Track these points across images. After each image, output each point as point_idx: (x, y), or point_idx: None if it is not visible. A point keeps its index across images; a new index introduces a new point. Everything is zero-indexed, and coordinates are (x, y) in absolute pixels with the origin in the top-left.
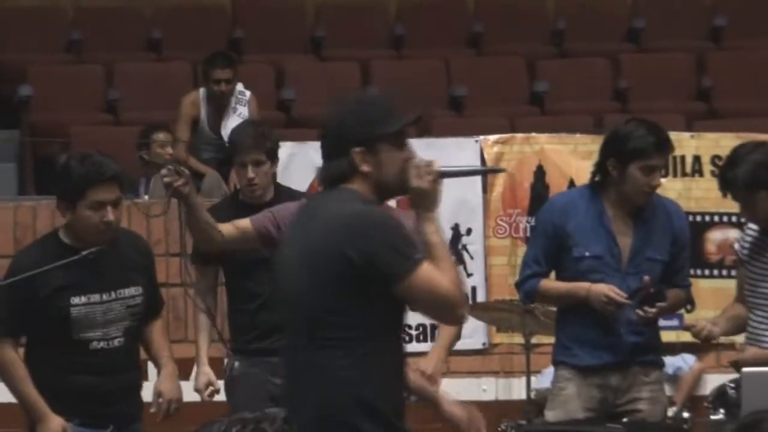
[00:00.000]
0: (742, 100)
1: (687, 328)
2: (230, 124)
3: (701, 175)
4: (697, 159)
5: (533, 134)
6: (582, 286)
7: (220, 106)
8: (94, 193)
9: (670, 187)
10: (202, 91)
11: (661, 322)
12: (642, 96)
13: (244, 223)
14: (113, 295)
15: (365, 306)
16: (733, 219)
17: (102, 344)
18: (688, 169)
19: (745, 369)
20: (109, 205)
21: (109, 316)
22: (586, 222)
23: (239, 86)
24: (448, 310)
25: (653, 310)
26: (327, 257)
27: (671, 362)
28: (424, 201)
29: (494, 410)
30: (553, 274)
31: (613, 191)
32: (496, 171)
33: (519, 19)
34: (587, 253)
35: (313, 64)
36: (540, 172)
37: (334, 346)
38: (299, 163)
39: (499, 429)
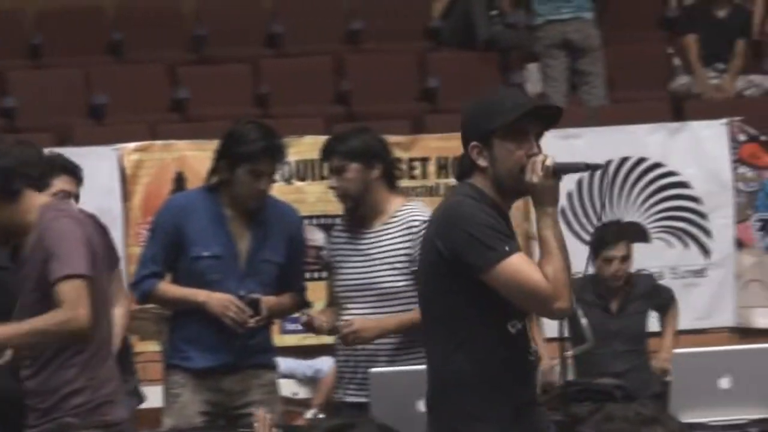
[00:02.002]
0: (380, 103)
1: (308, 324)
2: None
3: None
4: None
5: (172, 141)
6: (201, 293)
7: None
8: None
9: (310, 191)
10: None
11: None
12: (283, 101)
13: None
14: None
15: (458, 296)
16: None
17: None
18: (326, 172)
19: (373, 369)
20: None
21: None
22: (204, 222)
23: None
24: (538, 302)
25: (255, 318)
26: (425, 249)
27: (310, 364)
28: (538, 196)
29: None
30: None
31: (228, 192)
32: (599, 167)
33: (159, 26)
34: (205, 253)
35: None
36: (180, 179)
37: (434, 335)
38: None
39: None
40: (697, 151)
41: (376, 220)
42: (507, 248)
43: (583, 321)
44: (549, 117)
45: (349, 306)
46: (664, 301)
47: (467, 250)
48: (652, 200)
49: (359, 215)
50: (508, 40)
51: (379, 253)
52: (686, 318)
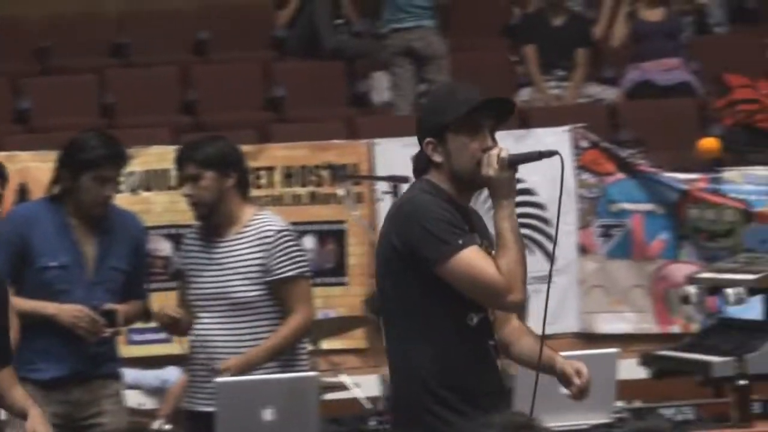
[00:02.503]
0: (226, 113)
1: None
2: None
3: None
4: None
5: (15, 152)
6: (50, 305)
7: None
8: None
9: (156, 200)
10: None
11: (150, 336)
12: (129, 111)
13: None
14: None
15: (415, 291)
16: None
17: None
18: (173, 182)
19: (218, 379)
20: None
21: None
22: (50, 232)
23: None
24: (491, 296)
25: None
26: (381, 244)
27: (157, 375)
28: (494, 190)
29: None
30: None
31: (72, 201)
32: (552, 154)
33: (3, 37)
34: (52, 263)
35: None
36: (23, 191)
37: (394, 330)
38: None
39: None
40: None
41: (229, 229)
42: (461, 242)
43: None
44: (503, 110)
45: (201, 315)
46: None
47: (422, 244)
48: None
49: (213, 224)
50: (354, 48)
51: (233, 262)
52: (531, 324)
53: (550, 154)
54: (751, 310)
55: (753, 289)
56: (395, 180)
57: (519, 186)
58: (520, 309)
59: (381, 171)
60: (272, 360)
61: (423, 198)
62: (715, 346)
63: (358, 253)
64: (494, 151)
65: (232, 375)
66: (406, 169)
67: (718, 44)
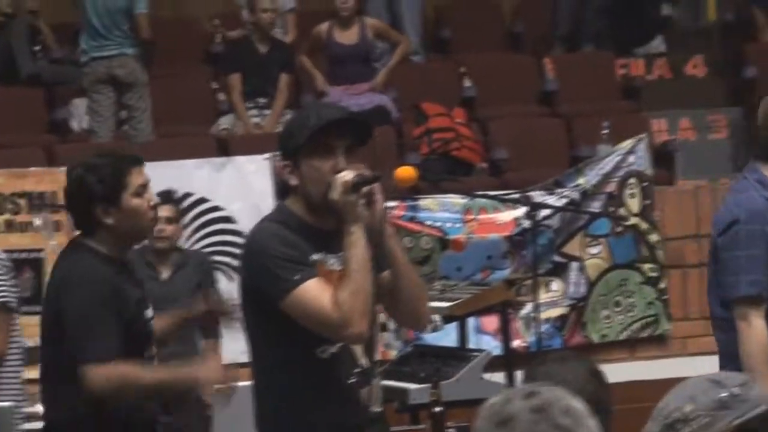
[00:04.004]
0: None
1: None
2: None
3: None
4: None
5: None
6: None
7: None
8: None
9: None
10: None
11: None
12: None
13: None
14: None
15: (268, 325)
16: None
17: None
18: None
19: None
20: None
21: None
22: None
23: None
24: (328, 330)
25: None
26: (241, 277)
27: None
28: (340, 214)
29: None
30: None
31: None
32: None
33: None
34: None
35: None
36: None
37: (254, 360)
38: None
39: None
40: (242, 186)
41: None
42: (297, 277)
43: None
44: (361, 130)
45: None
46: None
47: (262, 281)
48: (198, 235)
49: None
50: (53, 75)
51: None
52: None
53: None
54: (446, 337)
55: (448, 317)
56: None
57: (218, 214)
58: (362, 340)
59: None
60: None
61: (265, 231)
62: (412, 373)
63: None
64: (339, 174)
65: None
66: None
67: (414, 72)
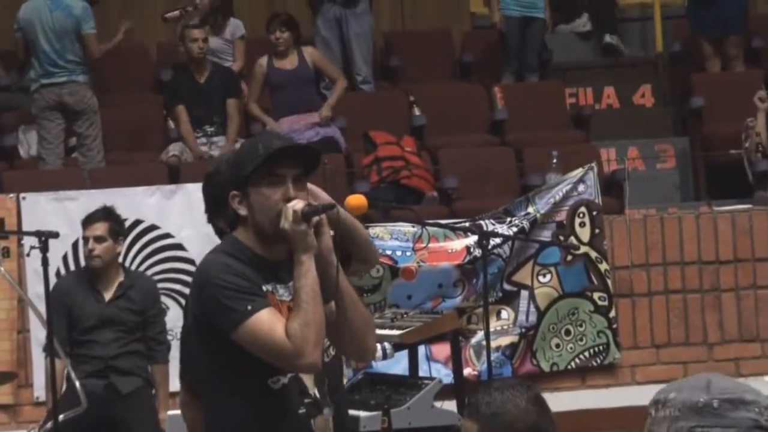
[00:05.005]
0: None
1: None
2: None
3: None
4: None
5: None
6: None
7: None
8: None
9: None
10: None
11: None
12: None
13: None
14: None
15: (219, 355)
16: None
17: None
18: None
19: None
20: None
21: None
22: None
23: None
24: (281, 360)
25: None
26: (188, 307)
27: None
28: (290, 244)
29: None
30: None
31: None
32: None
33: None
34: None
35: None
36: None
37: (204, 389)
38: None
39: None
40: (192, 213)
41: None
42: (249, 307)
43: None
44: (309, 159)
45: None
46: None
47: (213, 313)
48: (148, 262)
49: None
50: (2, 102)
51: None
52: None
53: (332, 206)
54: (396, 365)
55: (399, 345)
56: (42, 235)
57: (168, 241)
58: (315, 370)
59: (28, 225)
60: None
61: (213, 263)
62: (363, 401)
63: (5, 308)
64: (290, 203)
65: None
66: (54, 224)
67: (364, 101)
